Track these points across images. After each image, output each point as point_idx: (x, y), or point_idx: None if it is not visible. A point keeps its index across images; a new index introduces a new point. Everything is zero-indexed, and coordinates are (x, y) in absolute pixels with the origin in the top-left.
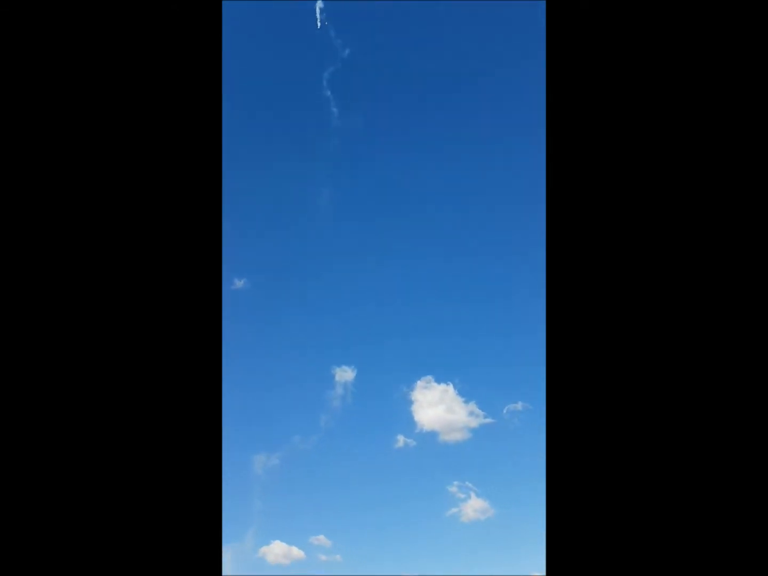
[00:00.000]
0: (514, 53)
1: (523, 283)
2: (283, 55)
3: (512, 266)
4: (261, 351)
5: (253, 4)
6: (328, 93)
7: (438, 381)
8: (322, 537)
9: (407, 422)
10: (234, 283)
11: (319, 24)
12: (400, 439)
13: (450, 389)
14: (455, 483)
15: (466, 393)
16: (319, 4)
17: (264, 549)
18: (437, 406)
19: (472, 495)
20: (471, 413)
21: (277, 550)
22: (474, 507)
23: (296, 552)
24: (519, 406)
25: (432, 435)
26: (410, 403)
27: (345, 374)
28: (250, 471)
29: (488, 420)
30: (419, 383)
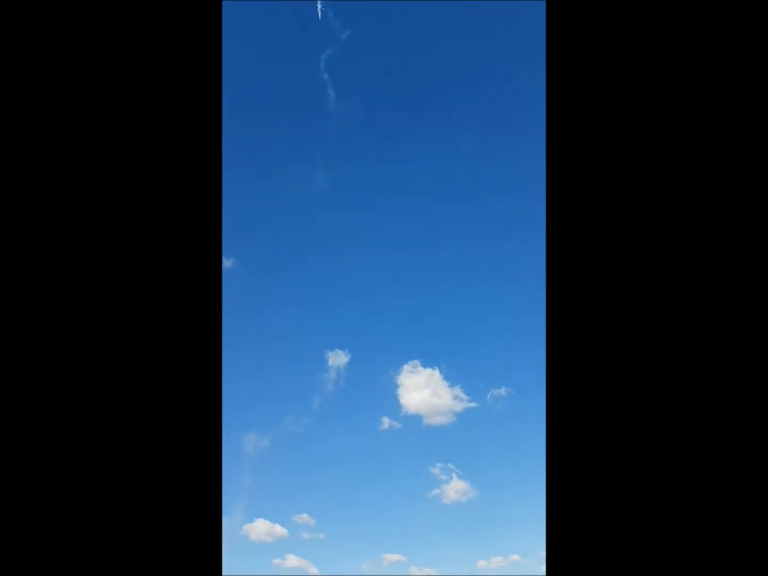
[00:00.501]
0: (514, 47)
1: (511, 271)
2: (281, 35)
3: (501, 255)
4: (257, 335)
5: None
6: (326, 76)
7: (425, 365)
8: (305, 515)
9: (393, 405)
10: (224, 265)
11: (320, 15)
12: (385, 422)
13: (436, 373)
14: (438, 465)
15: (452, 377)
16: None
17: (247, 526)
18: (423, 390)
19: (454, 477)
20: (456, 397)
21: (260, 528)
22: (455, 489)
23: (279, 530)
24: (503, 391)
25: (417, 418)
26: (396, 386)
27: (338, 358)
28: (241, 450)
29: (472, 404)
30: (406, 367)
